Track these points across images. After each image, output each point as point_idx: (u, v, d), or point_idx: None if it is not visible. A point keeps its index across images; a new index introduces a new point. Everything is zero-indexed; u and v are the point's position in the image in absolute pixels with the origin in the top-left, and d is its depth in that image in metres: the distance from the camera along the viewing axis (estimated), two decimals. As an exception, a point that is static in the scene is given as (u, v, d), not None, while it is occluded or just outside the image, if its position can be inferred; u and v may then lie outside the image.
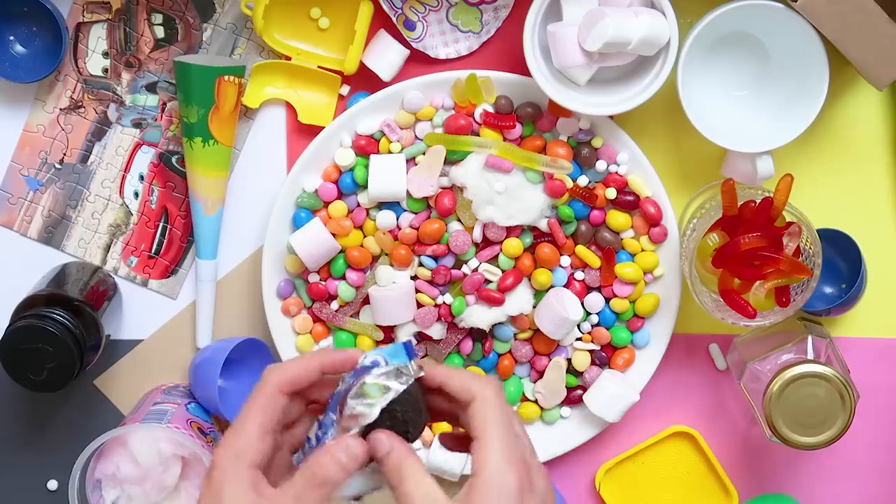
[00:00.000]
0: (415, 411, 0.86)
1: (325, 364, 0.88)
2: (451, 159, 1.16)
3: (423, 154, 1.17)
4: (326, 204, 1.18)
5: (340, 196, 1.18)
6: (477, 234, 1.17)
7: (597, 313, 1.20)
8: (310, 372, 0.87)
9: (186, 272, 1.23)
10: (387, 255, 1.18)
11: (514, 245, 1.17)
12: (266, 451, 0.85)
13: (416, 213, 1.17)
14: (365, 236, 1.18)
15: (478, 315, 1.17)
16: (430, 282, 1.18)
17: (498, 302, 1.16)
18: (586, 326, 1.20)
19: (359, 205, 1.18)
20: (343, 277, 1.18)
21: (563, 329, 1.16)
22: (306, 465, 0.83)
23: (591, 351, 1.20)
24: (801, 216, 1.12)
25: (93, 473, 1.16)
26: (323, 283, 1.19)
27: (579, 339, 1.20)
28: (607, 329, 1.20)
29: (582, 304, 1.19)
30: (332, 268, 1.18)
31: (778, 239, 1.13)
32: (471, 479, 0.83)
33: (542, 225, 1.17)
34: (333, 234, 1.17)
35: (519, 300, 1.18)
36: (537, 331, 1.19)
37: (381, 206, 1.18)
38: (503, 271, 1.17)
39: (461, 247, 1.16)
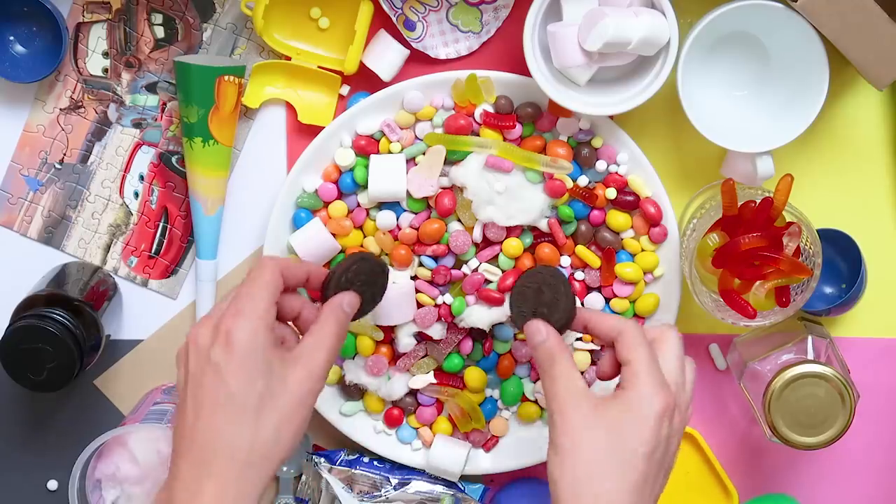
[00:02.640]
0: (565, 302, 1.02)
1: (312, 273, 1.00)
2: (451, 159, 1.16)
3: (423, 154, 1.17)
4: (326, 204, 1.18)
5: (340, 196, 1.18)
6: (477, 235, 1.17)
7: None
8: (306, 270, 1.00)
9: (186, 272, 1.23)
10: (387, 255, 1.18)
11: (514, 245, 1.17)
12: (272, 319, 0.94)
13: (416, 214, 1.17)
14: (365, 236, 1.18)
15: (478, 315, 1.17)
16: (430, 282, 1.18)
17: (498, 302, 1.16)
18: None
19: (359, 205, 1.18)
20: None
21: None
22: (329, 315, 0.97)
23: (590, 351, 1.20)
24: (801, 216, 1.12)
25: (93, 473, 1.16)
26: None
27: (579, 339, 1.20)
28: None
29: (582, 303, 1.19)
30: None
31: (778, 239, 1.13)
32: (619, 391, 0.96)
33: (543, 225, 1.17)
34: (333, 235, 1.17)
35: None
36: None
37: (381, 206, 1.18)
38: (503, 271, 1.17)
39: (461, 247, 1.16)
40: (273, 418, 0.90)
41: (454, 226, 1.17)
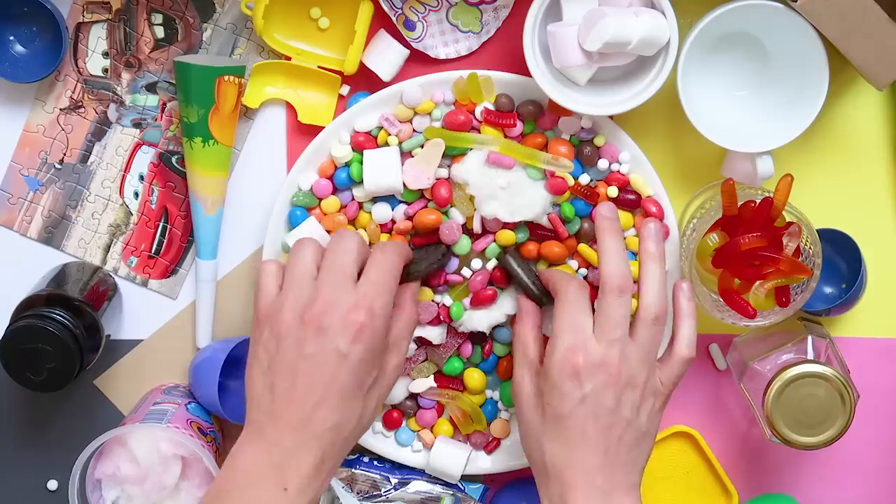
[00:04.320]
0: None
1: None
2: (449, 154, 1.16)
3: (422, 147, 1.17)
4: (321, 201, 1.18)
5: (335, 192, 1.18)
6: (476, 227, 1.16)
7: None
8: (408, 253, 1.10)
9: (186, 272, 1.23)
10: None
11: (507, 236, 1.16)
12: None
13: (409, 204, 1.17)
14: (357, 230, 1.18)
15: (477, 318, 1.17)
16: (427, 284, 1.17)
17: (488, 299, 1.16)
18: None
19: (353, 199, 1.18)
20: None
21: None
22: (406, 304, 1.09)
23: None
24: (801, 216, 1.12)
25: (93, 473, 1.16)
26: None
27: None
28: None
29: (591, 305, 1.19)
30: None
31: (778, 239, 1.13)
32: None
33: (545, 222, 1.17)
34: (329, 231, 1.17)
35: (516, 300, 1.18)
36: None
37: (376, 199, 1.18)
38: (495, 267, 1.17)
39: (450, 236, 1.15)
40: (375, 399, 1.00)
41: (453, 214, 1.17)
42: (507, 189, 1.15)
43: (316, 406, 0.96)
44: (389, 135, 1.17)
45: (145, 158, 1.22)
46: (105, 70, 1.21)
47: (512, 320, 1.18)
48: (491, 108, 1.17)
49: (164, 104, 1.22)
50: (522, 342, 1.09)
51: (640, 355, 1.02)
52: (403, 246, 1.07)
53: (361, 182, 1.17)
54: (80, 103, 1.22)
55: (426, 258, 1.15)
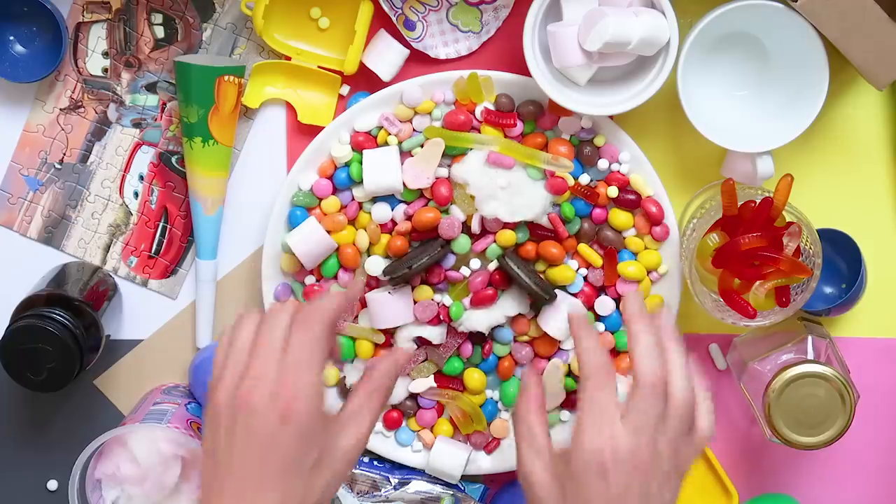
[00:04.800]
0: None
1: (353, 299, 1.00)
2: (449, 154, 1.16)
3: (421, 147, 1.17)
4: (321, 200, 1.18)
5: (335, 192, 1.18)
6: (475, 227, 1.17)
7: (606, 317, 1.19)
8: (342, 308, 0.96)
9: (186, 272, 1.23)
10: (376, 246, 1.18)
11: (507, 235, 1.16)
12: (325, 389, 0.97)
13: (409, 203, 1.17)
14: (357, 230, 1.18)
15: (477, 318, 1.17)
16: (426, 282, 1.18)
17: (488, 299, 1.16)
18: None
19: (353, 199, 1.18)
20: (335, 278, 1.18)
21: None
22: (378, 380, 0.96)
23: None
24: (801, 216, 1.12)
25: (93, 473, 1.16)
26: (318, 285, 1.19)
27: None
28: (612, 333, 1.20)
29: (592, 307, 1.19)
30: (324, 269, 1.18)
31: (778, 239, 1.13)
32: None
33: (545, 221, 1.17)
34: (329, 231, 1.17)
35: (516, 300, 1.18)
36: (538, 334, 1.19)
37: (376, 199, 1.18)
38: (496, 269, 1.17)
39: (449, 231, 1.15)
40: (324, 479, 0.92)
41: (453, 212, 1.17)
42: (507, 189, 1.15)
43: (254, 488, 0.90)
44: (389, 134, 1.17)
45: (145, 158, 1.22)
46: (105, 70, 1.21)
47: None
48: (491, 108, 1.17)
49: (164, 104, 1.22)
50: (528, 427, 1.00)
51: (670, 441, 0.97)
52: (331, 303, 0.95)
53: (361, 182, 1.17)
54: (80, 103, 1.22)
55: (423, 253, 1.15)
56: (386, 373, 0.96)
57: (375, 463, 1.21)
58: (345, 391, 1.21)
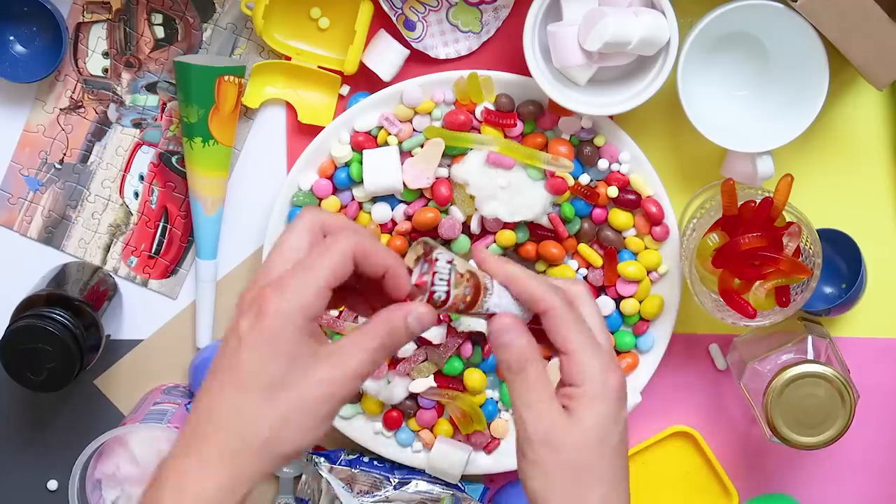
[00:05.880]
0: None
1: (405, 269, 0.83)
2: (449, 154, 1.16)
3: (421, 147, 1.17)
4: (321, 200, 1.18)
5: (335, 192, 1.18)
6: (475, 227, 1.17)
7: (606, 317, 1.19)
8: (385, 264, 0.82)
9: (186, 272, 1.23)
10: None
11: (506, 236, 1.16)
12: (323, 306, 0.80)
13: (409, 203, 1.17)
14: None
15: (477, 319, 1.17)
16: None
17: None
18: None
19: (353, 199, 1.18)
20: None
21: None
22: (375, 322, 0.81)
23: None
24: (801, 216, 1.12)
25: (93, 473, 1.16)
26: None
27: None
28: (612, 334, 1.20)
29: None
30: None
31: (778, 239, 1.13)
32: (570, 389, 0.84)
33: (545, 222, 1.18)
34: (330, 232, 1.17)
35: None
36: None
37: (376, 199, 1.18)
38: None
39: (449, 231, 1.15)
40: (281, 407, 0.78)
41: (453, 212, 1.17)
42: (507, 189, 1.15)
43: (216, 393, 0.79)
44: (389, 134, 1.17)
45: (145, 158, 1.22)
46: (105, 70, 1.21)
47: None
48: (491, 108, 1.17)
49: (164, 104, 1.22)
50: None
51: None
52: (357, 243, 0.81)
53: (361, 182, 1.17)
54: (80, 103, 1.22)
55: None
56: (394, 319, 0.81)
57: (375, 463, 1.21)
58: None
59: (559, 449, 0.83)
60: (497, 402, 1.21)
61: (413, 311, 0.82)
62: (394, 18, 1.17)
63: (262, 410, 0.78)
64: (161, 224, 1.23)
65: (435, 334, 1.17)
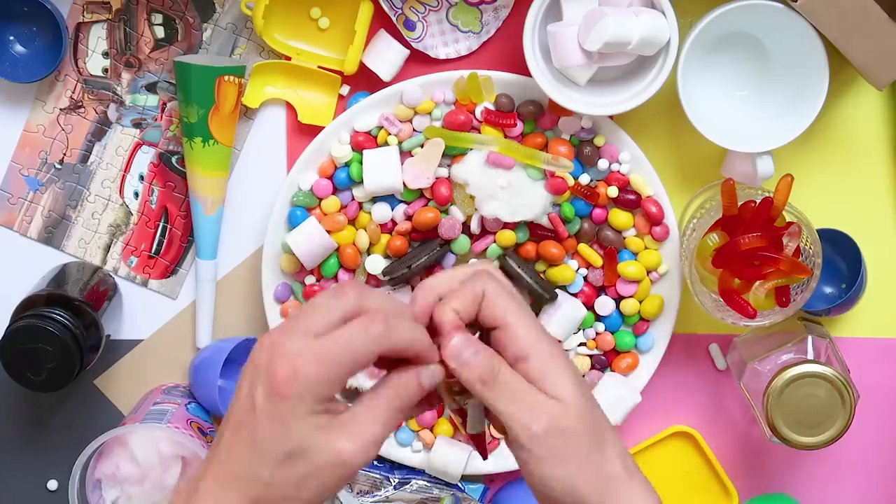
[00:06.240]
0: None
1: (430, 343, 0.81)
2: (449, 154, 1.16)
3: (421, 147, 1.17)
4: (321, 200, 1.18)
5: (335, 192, 1.18)
6: (475, 227, 1.17)
7: (606, 316, 1.19)
8: (414, 349, 0.80)
9: (186, 272, 1.23)
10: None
11: (507, 236, 1.16)
12: (339, 389, 0.79)
13: (409, 203, 1.17)
14: (357, 230, 1.18)
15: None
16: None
17: None
18: (591, 333, 1.20)
19: (353, 199, 1.18)
20: (335, 278, 1.18)
21: (571, 330, 1.17)
22: (387, 386, 0.79)
23: (590, 356, 1.20)
24: (801, 216, 1.12)
25: (93, 473, 1.16)
26: (318, 285, 1.19)
27: (583, 344, 1.20)
28: (612, 334, 1.20)
29: (592, 307, 1.19)
30: (324, 269, 1.18)
31: (778, 239, 1.13)
32: (526, 367, 0.80)
33: (545, 221, 1.18)
34: (329, 231, 1.17)
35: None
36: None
37: (376, 199, 1.18)
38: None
39: (449, 231, 1.15)
40: (297, 473, 0.78)
41: (453, 212, 1.17)
42: (507, 189, 1.15)
43: (232, 444, 0.79)
44: (389, 134, 1.17)
45: (145, 158, 1.22)
46: (105, 70, 1.21)
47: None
48: (491, 108, 1.17)
49: (164, 104, 1.22)
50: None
51: None
52: (385, 332, 0.78)
53: (361, 182, 1.17)
54: (80, 103, 1.22)
55: (422, 253, 1.15)
56: (406, 382, 0.80)
57: (375, 463, 1.21)
58: (344, 392, 1.20)
59: (565, 432, 0.81)
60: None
61: (425, 369, 0.80)
62: (394, 18, 1.17)
63: (277, 476, 0.78)
64: (161, 224, 1.23)
65: None
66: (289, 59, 1.20)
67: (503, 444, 1.22)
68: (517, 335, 0.81)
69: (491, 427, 1.21)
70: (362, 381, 1.01)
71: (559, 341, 1.19)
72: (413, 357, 0.80)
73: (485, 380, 0.81)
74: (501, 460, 1.21)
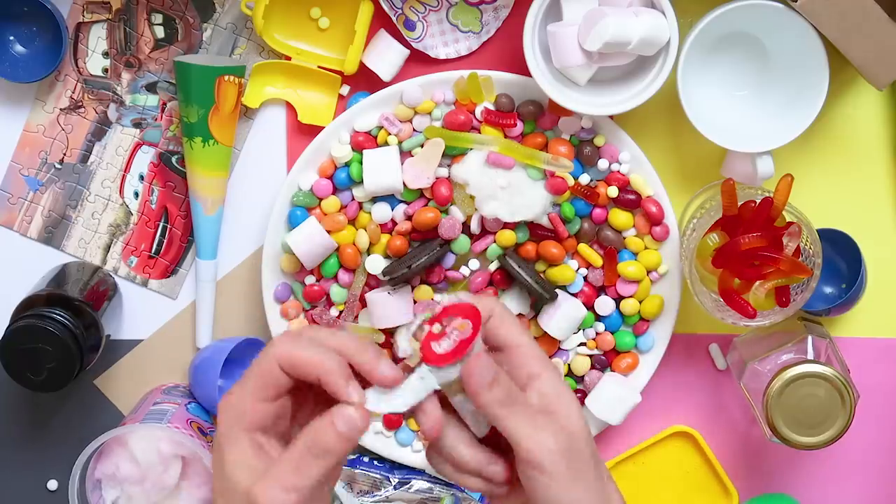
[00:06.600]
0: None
1: (341, 371, 0.79)
2: (449, 154, 1.16)
3: (421, 146, 1.17)
4: (321, 200, 1.18)
5: (335, 192, 1.18)
6: (475, 227, 1.17)
7: (606, 317, 1.19)
8: (316, 370, 0.79)
9: (186, 272, 1.23)
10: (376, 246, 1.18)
11: (507, 236, 1.16)
12: (266, 416, 0.79)
13: (409, 203, 1.17)
14: (357, 230, 1.18)
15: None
16: (426, 281, 1.17)
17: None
18: (591, 333, 1.20)
19: (353, 199, 1.18)
20: (335, 278, 1.18)
21: (571, 330, 1.17)
22: (305, 432, 0.78)
23: (590, 356, 1.20)
24: (801, 216, 1.12)
25: (93, 473, 1.16)
26: (318, 285, 1.19)
27: (583, 344, 1.20)
28: (612, 334, 1.20)
29: (592, 307, 1.19)
30: (324, 269, 1.18)
31: (778, 239, 1.13)
32: (537, 385, 0.81)
33: (545, 221, 1.18)
34: (329, 231, 1.17)
35: (516, 300, 1.18)
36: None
37: (376, 199, 1.18)
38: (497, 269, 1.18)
39: (449, 231, 1.15)
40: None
41: (453, 212, 1.17)
42: (507, 189, 1.15)
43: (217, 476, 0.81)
44: (389, 134, 1.17)
45: (145, 158, 1.22)
46: (105, 70, 1.21)
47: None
48: (491, 108, 1.17)
49: (164, 104, 1.22)
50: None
51: None
52: (284, 347, 0.80)
53: (361, 182, 1.17)
54: (80, 103, 1.22)
55: (422, 253, 1.15)
56: (318, 426, 0.78)
57: (375, 463, 1.21)
58: None
59: (579, 453, 0.80)
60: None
61: (339, 414, 0.78)
62: (394, 18, 1.17)
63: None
64: (161, 224, 1.23)
65: None
66: (289, 59, 1.20)
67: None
68: (529, 356, 0.82)
69: None
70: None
71: (558, 340, 1.19)
72: (323, 385, 0.79)
73: (507, 401, 0.80)
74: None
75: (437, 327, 0.81)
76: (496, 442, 0.83)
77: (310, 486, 0.77)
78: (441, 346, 0.81)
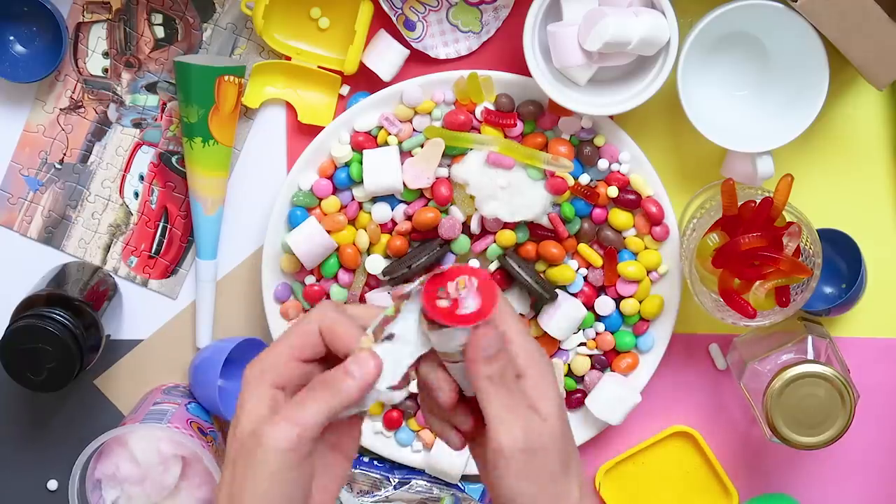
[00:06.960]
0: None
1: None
2: (449, 154, 1.16)
3: (421, 147, 1.17)
4: (321, 200, 1.18)
5: (335, 192, 1.18)
6: (475, 227, 1.17)
7: (606, 316, 1.19)
8: (346, 349, 0.80)
9: (186, 272, 1.23)
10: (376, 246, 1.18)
11: (507, 236, 1.16)
12: (291, 376, 0.80)
13: (409, 203, 1.17)
14: (357, 230, 1.18)
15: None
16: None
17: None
18: (591, 333, 1.20)
19: (353, 199, 1.18)
20: (335, 278, 1.18)
21: (571, 330, 1.17)
22: (318, 378, 0.79)
23: (590, 356, 1.20)
24: (801, 216, 1.12)
25: (93, 473, 1.16)
26: (318, 285, 1.19)
27: (583, 344, 1.20)
28: (612, 334, 1.20)
29: (591, 307, 1.19)
30: (324, 269, 1.18)
31: (778, 239, 1.13)
32: (523, 382, 0.81)
33: (545, 221, 1.18)
34: (329, 231, 1.17)
35: (516, 300, 1.18)
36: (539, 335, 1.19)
37: (376, 199, 1.18)
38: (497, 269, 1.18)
39: (449, 231, 1.15)
40: (238, 473, 0.79)
41: (452, 212, 1.17)
42: (507, 189, 1.15)
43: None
44: (389, 134, 1.17)
45: (145, 158, 1.22)
46: (105, 70, 1.21)
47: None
48: (491, 108, 1.17)
49: (164, 104, 1.22)
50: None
51: None
52: (328, 315, 0.81)
53: (361, 182, 1.17)
54: (80, 103, 1.22)
55: (422, 253, 1.15)
56: (343, 369, 0.79)
57: (375, 463, 1.21)
58: None
59: (544, 450, 0.80)
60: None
61: (350, 359, 0.79)
62: (394, 18, 1.17)
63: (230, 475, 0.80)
64: (161, 224, 1.23)
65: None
66: (289, 59, 1.20)
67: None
68: (519, 350, 0.81)
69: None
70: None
71: (558, 340, 1.19)
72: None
73: (493, 379, 0.80)
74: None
75: (452, 287, 0.79)
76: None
77: (313, 424, 0.77)
78: (463, 307, 0.79)
